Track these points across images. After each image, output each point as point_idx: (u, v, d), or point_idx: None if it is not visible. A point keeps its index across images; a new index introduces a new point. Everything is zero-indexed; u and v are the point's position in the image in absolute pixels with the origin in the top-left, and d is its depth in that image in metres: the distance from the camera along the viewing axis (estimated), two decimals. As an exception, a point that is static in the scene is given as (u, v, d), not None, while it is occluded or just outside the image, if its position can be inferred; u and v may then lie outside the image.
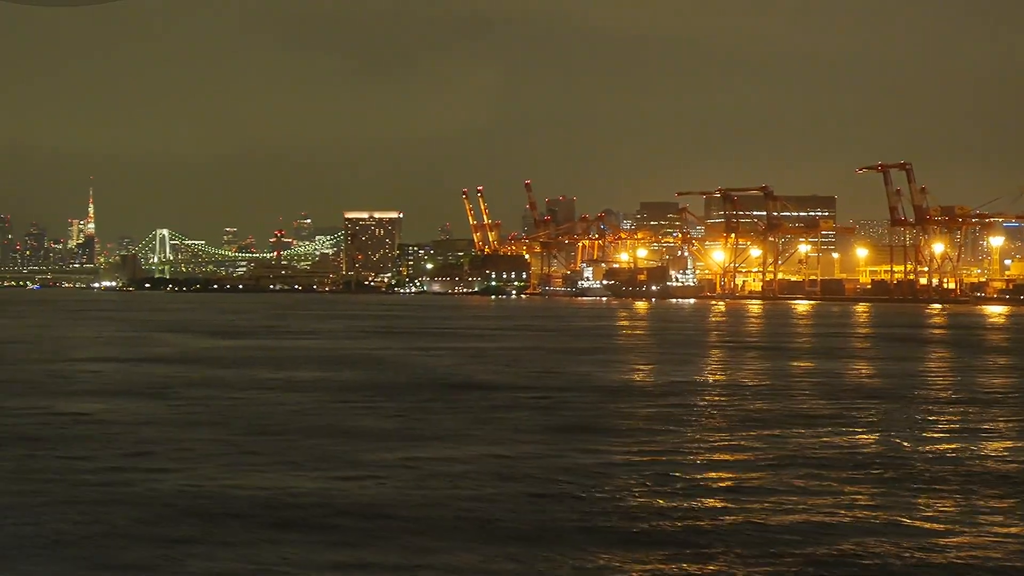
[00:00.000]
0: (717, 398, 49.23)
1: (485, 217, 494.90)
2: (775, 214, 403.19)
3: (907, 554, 21.48)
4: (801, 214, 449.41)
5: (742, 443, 35.07)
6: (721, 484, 28.20)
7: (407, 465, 30.32)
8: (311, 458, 31.51)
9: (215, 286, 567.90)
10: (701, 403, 47.08)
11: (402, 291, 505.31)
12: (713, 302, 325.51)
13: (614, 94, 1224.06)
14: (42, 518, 24.04)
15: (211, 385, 53.43)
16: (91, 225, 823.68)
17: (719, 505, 25.60)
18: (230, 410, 43.20)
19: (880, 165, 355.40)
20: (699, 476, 29.24)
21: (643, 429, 38.25)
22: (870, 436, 37.09)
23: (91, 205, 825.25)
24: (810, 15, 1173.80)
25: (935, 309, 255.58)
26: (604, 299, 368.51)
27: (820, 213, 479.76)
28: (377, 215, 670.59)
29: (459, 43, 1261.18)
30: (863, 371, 66.95)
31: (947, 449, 34.24)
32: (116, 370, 62.44)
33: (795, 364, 71.27)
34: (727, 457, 32.45)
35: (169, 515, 24.41)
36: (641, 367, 68.18)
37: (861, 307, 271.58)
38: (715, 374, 63.24)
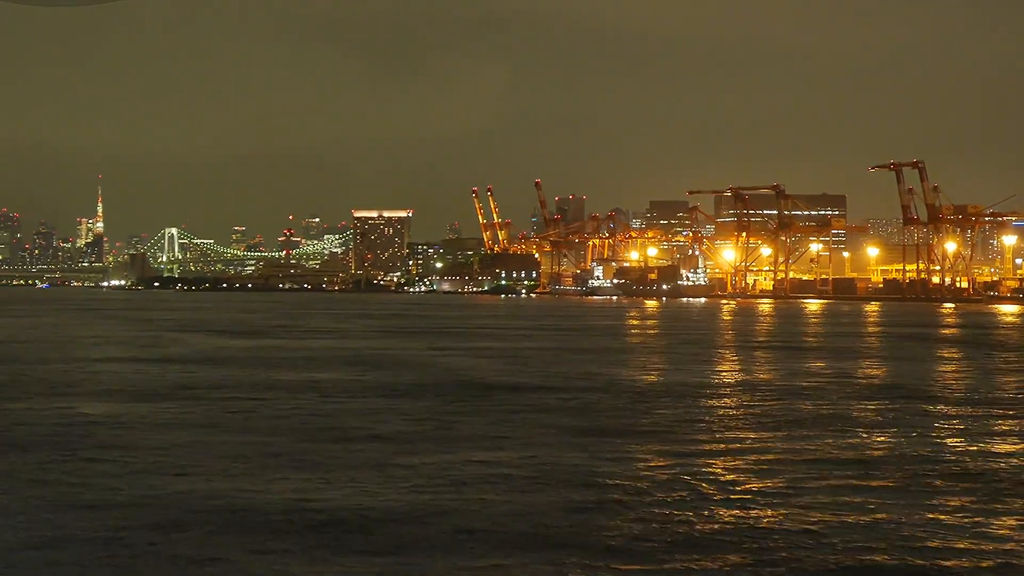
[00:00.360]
0: (749, 400, 48.20)
1: (495, 216, 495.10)
2: (786, 213, 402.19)
3: (988, 562, 20.60)
4: (812, 213, 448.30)
5: (784, 445, 34.09)
6: (771, 488, 27.17)
7: (441, 470, 29.35)
8: (341, 463, 30.57)
9: (224, 285, 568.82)
10: (734, 405, 46.09)
11: (412, 290, 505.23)
12: (724, 301, 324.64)
13: (623, 93, 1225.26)
14: (68, 527, 23.12)
15: (231, 386, 52.55)
16: (100, 224, 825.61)
17: (775, 512, 24.60)
18: (252, 412, 42.31)
19: (892, 163, 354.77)
20: (749, 481, 28.22)
21: (681, 432, 37.21)
22: (916, 439, 36.10)
23: (100, 204, 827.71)
24: (821, 14, 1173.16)
25: (948, 308, 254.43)
26: (615, 298, 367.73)
27: (831, 212, 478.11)
28: (386, 214, 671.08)
29: (468, 42, 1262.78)
30: (889, 371, 65.86)
31: (996, 452, 33.31)
32: (134, 370, 61.59)
33: (820, 364, 70.26)
34: (772, 460, 31.40)
35: (197, 523, 23.50)
36: (664, 367, 67.18)
37: (874, 306, 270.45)
38: (740, 375, 62.25)
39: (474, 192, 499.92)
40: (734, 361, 73.62)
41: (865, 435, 36.85)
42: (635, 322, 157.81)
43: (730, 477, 28.91)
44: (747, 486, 27.62)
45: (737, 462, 31.24)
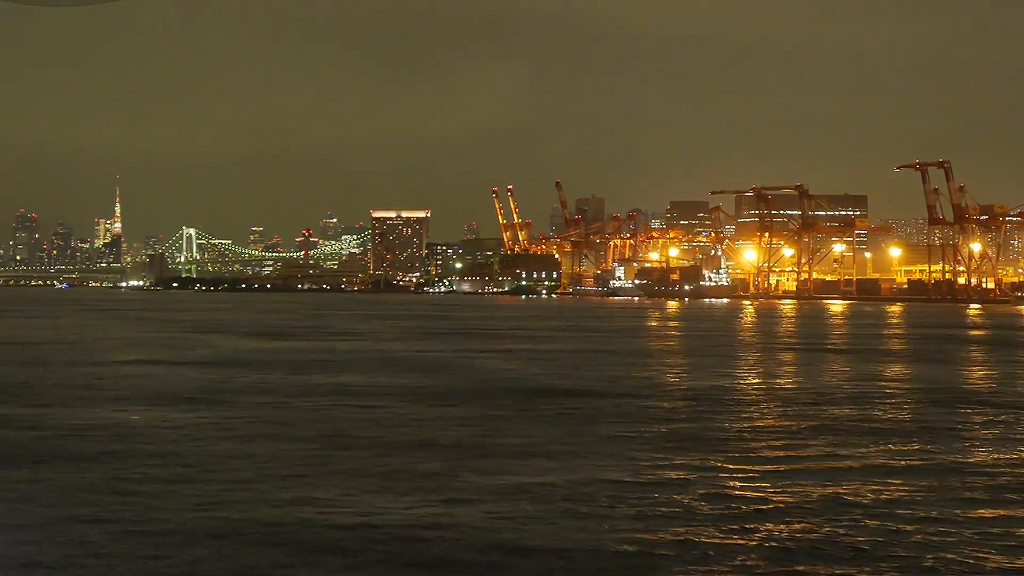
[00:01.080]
0: (803, 406, 46.15)
1: (515, 216, 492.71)
2: (810, 213, 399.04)
3: None
4: (835, 213, 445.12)
5: (854, 453, 32.13)
6: (864, 502, 25.16)
7: (514, 487, 27.14)
8: (400, 478, 28.52)
9: (243, 286, 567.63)
10: (793, 411, 44.06)
11: (431, 291, 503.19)
12: (748, 302, 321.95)
13: (642, 92, 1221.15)
14: (116, 555, 21.09)
15: (267, 391, 50.71)
16: (118, 224, 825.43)
17: (877, 527, 22.60)
18: (293, 419, 40.45)
19: (918, 163, 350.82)
20: (839, 494, 26.19)
21: (750, 441, 35.11)
22: (996, 448, 34.14)
23: (118, 204, 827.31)
24: (844, 12, 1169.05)
25: (976, 309, 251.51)
26: (636, 299, 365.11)
27: (853, 212, 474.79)
28: (405, 214, 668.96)
29: (487, 40, 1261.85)
30: (942, 375, 63.68)
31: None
32: (165, 373, 59.83)
33: (872, 367, 68.18)
34: (856, 469, 29.44)
35: (261, 542, 21.65)
36: (704, 371, 64.96)
37: (900, 307, 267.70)
38: (791, 378, 60.29)
39: (494, 192, 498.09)
40: (772, 365, 71.65)
41: (952, 443, 34.85)
42: (661, 324, 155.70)
43: (823, 490, 26.92)
44: (840, 500, 25.66)
45: (816, 472, 29.27)
